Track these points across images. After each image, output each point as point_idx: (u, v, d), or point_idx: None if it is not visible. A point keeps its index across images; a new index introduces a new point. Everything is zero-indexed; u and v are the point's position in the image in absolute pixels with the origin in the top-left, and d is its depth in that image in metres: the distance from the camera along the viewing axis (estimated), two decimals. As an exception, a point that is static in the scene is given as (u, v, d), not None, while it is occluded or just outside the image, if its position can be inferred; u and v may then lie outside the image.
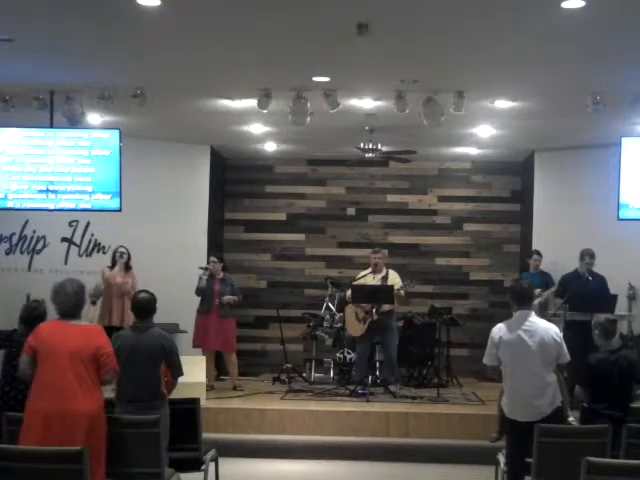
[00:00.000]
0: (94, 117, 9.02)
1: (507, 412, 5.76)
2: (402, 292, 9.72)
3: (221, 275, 9.82)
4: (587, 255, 9.41)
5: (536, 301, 9.57)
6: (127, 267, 9.52)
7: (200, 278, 9.70)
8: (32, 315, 6.17)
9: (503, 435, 6.12)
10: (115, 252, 9.59)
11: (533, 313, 5.82)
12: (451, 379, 10.54)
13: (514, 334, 5.69)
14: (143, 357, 5.70)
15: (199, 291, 9.72)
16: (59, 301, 5.28)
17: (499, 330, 5.79)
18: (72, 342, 5.12)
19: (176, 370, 5.86)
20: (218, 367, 10.38)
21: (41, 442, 4.88)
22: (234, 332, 9.91)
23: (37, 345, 5.16)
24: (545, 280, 10.08)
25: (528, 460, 5.55)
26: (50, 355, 5.10)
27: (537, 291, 9.66)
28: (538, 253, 10.44)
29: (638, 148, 8.47)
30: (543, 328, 5.75)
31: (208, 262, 10.02)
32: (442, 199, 12.24)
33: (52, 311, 6.29)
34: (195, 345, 9.74)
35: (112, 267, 9.49)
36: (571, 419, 6.21)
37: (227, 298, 9.66)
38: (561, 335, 5.83)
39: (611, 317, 6.66)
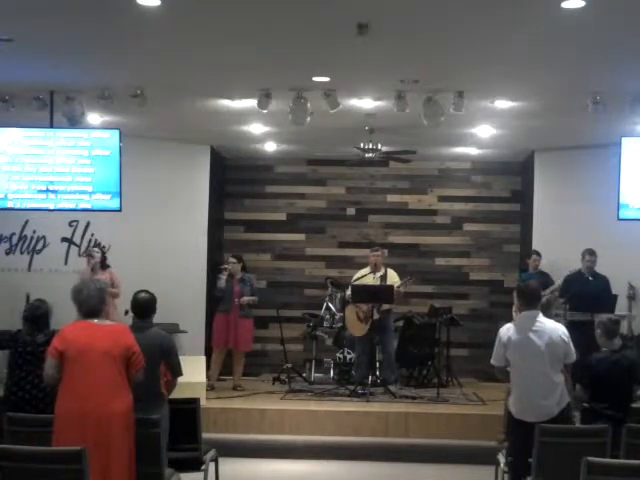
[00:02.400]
0: (94, 117, 9.02)
1: (515, 412, 5.72)
2: (401, 289, 9.72)
3: (240, 275, 9.85)
4: (586, 253, 9.42)
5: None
6: (104, 266, 9.54)
7: (219, 279, 9.74)
8: (35, 314, 6.17)
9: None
10: (88, 253, 9.74)
11: (541, 314, 5.81)
12: (451, 379, 10.53)
13: (522, 334, 5.68)
14: (144, 357, 5.68)
15: (219, 291, 9.75)
16: (83, 299, 5.24)
17: (507, 330, 5.77)
18: (103, 342, 5.10)
19: (175, 370, 5.82)
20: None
21: (79, 443, 4.80)
22: (252, 332, 10.01)
23: (65, 347, 5.08)
24: (544, 280, 10.06)
25: (530, 460, 5.55)
26: (80, 356, 5.05)
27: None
28: (537, 253, 10.44)
29: (638, 148, 8.47)
30: (551, 328, 5.75)
31: (227, 262, 10.03)
32: (442, 199, 12.24)
33: (56, 311, 6.35)
34: (213, 345, 9.80)
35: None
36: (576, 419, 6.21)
37: (246, 299, 9.74)
38: (568, 335, 5.82)
39: (614, 317, 6.66)
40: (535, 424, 5.49)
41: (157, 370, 5.74)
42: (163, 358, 5.77)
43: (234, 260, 9.92)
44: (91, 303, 5.24)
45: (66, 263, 10.75)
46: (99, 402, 5.00)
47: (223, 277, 9.72)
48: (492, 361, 5.87)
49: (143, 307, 5.89)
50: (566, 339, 5.74)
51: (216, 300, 9.98)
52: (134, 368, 5.16)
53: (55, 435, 5.04)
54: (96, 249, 9.71)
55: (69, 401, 5.04)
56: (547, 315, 6.06)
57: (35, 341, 5.99)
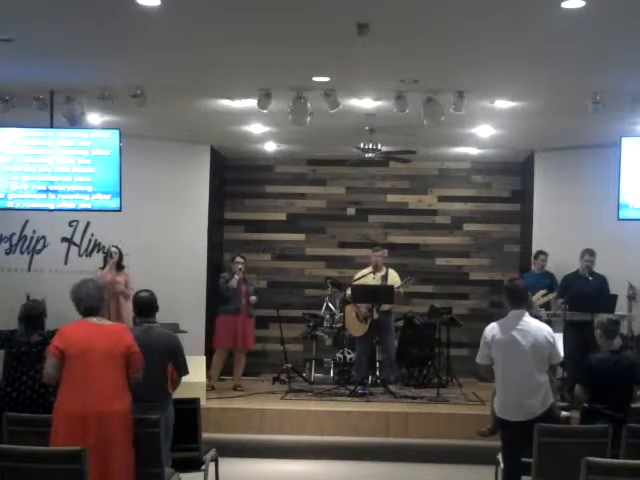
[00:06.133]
0: (94, 117, 9.02)
1: (498, 411, 5.75)
2: (401, 290, 9.73)
3: (242, 275, 9.92)
4: (586, 253, 9.41)
5: (540, 302, 9.60)
6: (119, 267, 9.55)
7: (231, 278, 9.86)
8: (31, 314, 6.17)
9: (494, 432, 6.09)
10: (107, 252, 9.68)
11: (527, 313, 5.81)
12: (451, 379, 10.54)
13: (507, 334, 5.68)
14: (151, 357, 5.64)
15: (229, 291, 9.81)
16: (81, 297, 5.24)
17: (492, 329, 5.78)
18: (104, 342, 5.10)
19: (182, 369, 5.88)
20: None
21: (79, 443, 4.79)
22: (254, 331, 10.14)
23: (66, 347, 5.07)
24: (550, 280, 10.06)
25: (525, 460, 5.54)
26: (82, 356, 5.05)
27: (542, 292, 9.72)
28: (544, 253, 10.42)
29: (638, 148, 8.47)
30: (536, 328, 5.74)
31: (233, 261, 10.12)
32: (442, 199, 12.24)
33: (51, 311, 6.34)
34: (217, 346, 9.86)
35: (104, 267, 9.59)
36: (564, 413, 6.19)
37: (254, 298, 9.91)
38: (554, 335, 5.80)
39: (613, 317, 6.65)
40: (519, 423, 5.52)
41: (165, 370, 5.77)
42: (172, 359, 5.80)
43: (242, 260, 10.02)
44: (90, 301, 5.24)
45: (66, 263, 10.74)
46: (99, 402, 4.99)
47: (237, 277, 9.81)
48: (477, 359, 5.88)
49: (146, 306, 5.93)
50: (551, 340, 5.73)
51: (223, 300, 9.97)
52: (133, 367, 5.17)
53: (53, 435, 5.03)
54: (115, 249, 9.68)
55: (70, 401, 5.03)
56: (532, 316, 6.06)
57: (29, 341, 5.99)
